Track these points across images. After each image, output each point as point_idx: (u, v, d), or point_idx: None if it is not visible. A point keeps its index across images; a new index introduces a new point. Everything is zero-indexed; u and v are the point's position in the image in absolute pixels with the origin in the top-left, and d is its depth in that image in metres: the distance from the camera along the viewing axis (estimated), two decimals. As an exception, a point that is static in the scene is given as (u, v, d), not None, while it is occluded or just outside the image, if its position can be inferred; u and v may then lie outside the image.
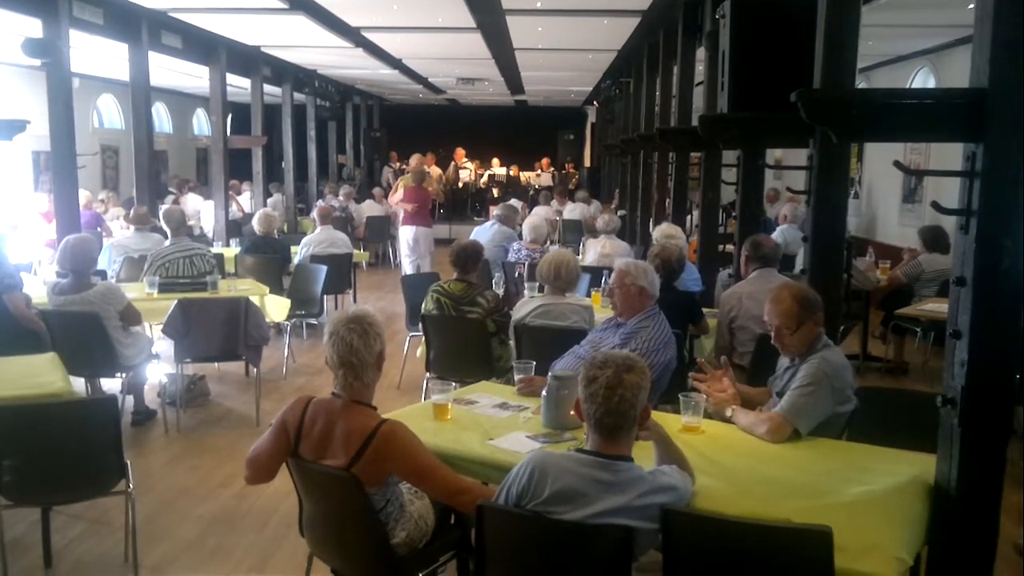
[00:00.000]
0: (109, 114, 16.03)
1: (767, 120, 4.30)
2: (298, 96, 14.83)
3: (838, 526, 2.23)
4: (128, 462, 3.63)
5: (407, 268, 10.59)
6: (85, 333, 5.23)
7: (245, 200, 13.83)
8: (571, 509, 2.37)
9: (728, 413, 3.34)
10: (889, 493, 2.64)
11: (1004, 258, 2.37)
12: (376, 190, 16.03)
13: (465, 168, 20.01)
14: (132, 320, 5.52)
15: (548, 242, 11.04)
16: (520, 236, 8.57)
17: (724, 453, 3.01)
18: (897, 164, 2.78)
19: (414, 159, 12.04)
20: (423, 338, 5.52)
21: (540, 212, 12.47)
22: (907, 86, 10.55)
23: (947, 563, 2.55)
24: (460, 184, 19.47)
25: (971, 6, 4.97)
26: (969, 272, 2.40)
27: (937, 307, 6.41)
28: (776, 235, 8.70)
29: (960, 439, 2.47)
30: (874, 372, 7.27)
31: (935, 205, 2.51)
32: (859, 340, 7.53)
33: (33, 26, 7.20)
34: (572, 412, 3.10)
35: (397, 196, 11.21)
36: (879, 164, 11.60)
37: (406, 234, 10.68)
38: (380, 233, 13.96)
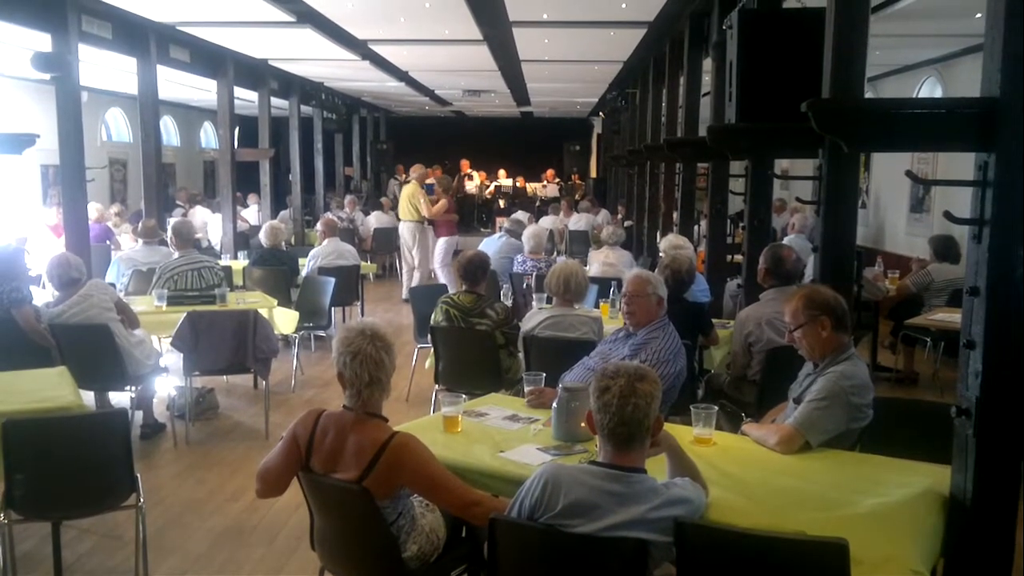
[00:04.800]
0: (117, 127, 16.11)
1: (776, 130, 4.30)
2: (305, 109, 14.89)
3: (853, 538, 2.21)
4: (138, 475, 3.63)
5: (443, 278, 10.43)
6: (93, 345, 5.23)
7: (251, 213, 13.84)
8: (584, 522, 2.36)
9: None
10: (903, 505, 2.62)
11: (1018, 267, 2.35)
12: (384, 200, 16.01)
13: (471, 179, 20.04)
14: (127, 313, 5.54)
15: (555, 253, 11.05)
16: (528, 248, 8.55)
17: (736, 465, 3.00)
18: (909, 174, 2.78)
19: (416, 169, 11.68)
20: (431, 350, 5.51)
21: (546, 223, 12.46)
22: (914, 95, 10.53)
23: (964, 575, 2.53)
24: (464, 194, 19.47)
25: (979, 15, 4.98)
26: (983, 282, 2.39)
27: (947, 317, 6.38)
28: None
29: (975, 450, 2.46)
30: (884, 382, 7.23)
31: (948, 215, 2.50)
32: (869, 350, 7.50)
33: (42, 41, 7.24)
34: (583, 424, 3.10)
35: (442, 206, 10.98)
36: (886, 174, 11.58)
37: (451, 245, 10.85)
38: (388, 245, 13.78)
